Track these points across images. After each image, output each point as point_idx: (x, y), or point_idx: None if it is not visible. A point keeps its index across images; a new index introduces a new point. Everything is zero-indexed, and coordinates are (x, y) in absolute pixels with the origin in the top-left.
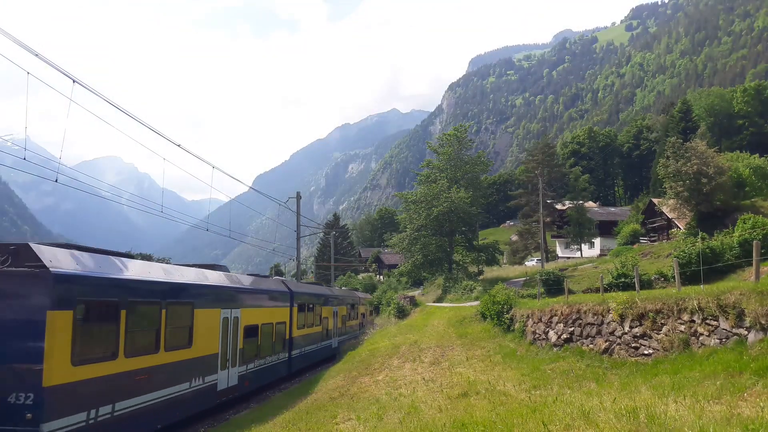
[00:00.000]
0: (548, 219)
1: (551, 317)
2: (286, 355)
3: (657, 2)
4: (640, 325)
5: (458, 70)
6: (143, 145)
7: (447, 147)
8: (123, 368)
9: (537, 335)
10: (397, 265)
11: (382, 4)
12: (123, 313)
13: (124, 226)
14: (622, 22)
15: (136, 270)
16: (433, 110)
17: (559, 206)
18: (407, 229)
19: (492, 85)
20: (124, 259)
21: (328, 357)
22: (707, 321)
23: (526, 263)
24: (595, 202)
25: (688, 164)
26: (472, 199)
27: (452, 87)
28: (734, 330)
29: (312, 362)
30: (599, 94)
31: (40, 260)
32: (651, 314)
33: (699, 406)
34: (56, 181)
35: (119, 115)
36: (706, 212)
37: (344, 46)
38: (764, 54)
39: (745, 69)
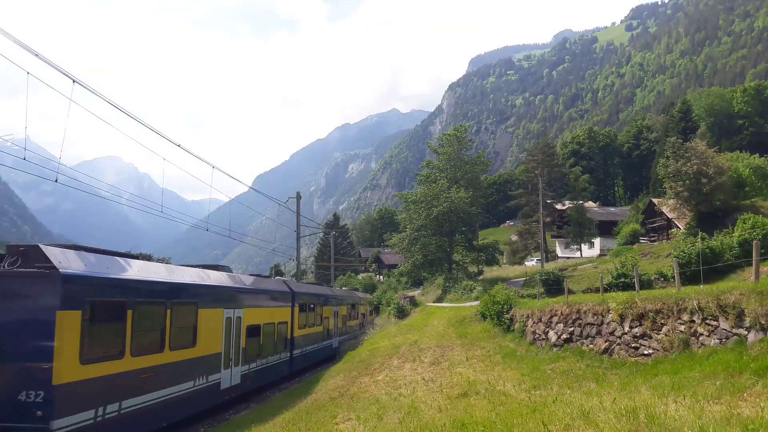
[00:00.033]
0: (548, 219)
1: (551, 317)
2: (288, 354)
3: (657, 2)
4: (640, 325)
5: (458, 70)
6: (143, 145)
7: (447, 147)
8: (130, 367)
9: (537, 335)
10: (397, 265)
11: (382, 4)
12: (129, 313)
13: (124, 226)
14: (622, 22)
15: (141, 270)
16: (433, 110)
17: (559, 206)
18: (407, 229)
19: (492, 85)
20: (129, 259)
21: (329, 357)
22: (707, 321)
23: (526, 263)
24: (595, 202)
25: (688, 164)
26: (472, 199)
27: (452, 87)
28: (734, 330)
29: (313, 362)
30: (599, 94)
31: (49, 261)
32: (651, 314)
33: (699, 406)
34: (56, 181)
35: (119, 115)
36: (706, 212)
37: (344, 46)
38: (764, 54)
39: (745, 69)
